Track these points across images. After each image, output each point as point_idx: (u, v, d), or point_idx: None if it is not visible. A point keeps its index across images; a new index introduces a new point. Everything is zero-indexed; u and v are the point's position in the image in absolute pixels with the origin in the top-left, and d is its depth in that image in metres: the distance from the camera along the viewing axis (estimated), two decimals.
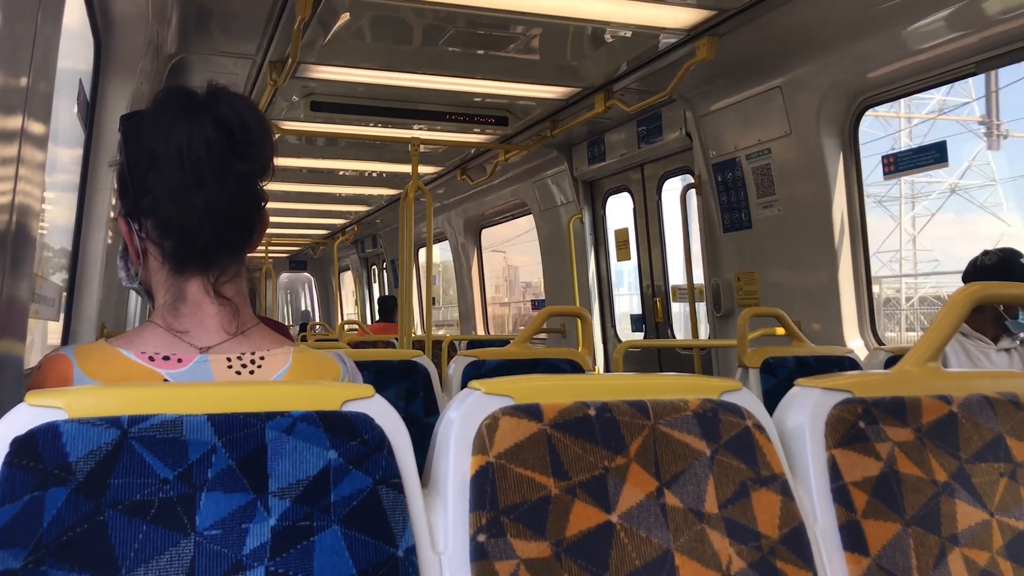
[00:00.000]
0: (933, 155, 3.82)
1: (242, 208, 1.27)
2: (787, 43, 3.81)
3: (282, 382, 1.24)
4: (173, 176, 1.22)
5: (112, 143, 3.17)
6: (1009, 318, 3.31)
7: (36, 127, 1.88)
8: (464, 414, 1.16)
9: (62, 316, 3.06)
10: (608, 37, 3.86)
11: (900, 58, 3.51)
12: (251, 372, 1.25)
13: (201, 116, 1.23)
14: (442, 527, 1.10)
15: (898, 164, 3.90)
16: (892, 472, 1.30)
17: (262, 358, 1.27)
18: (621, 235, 6.15)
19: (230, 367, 1.24)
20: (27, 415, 0.98)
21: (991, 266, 3.33)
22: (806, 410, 1.33)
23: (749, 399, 1.33)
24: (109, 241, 3.28)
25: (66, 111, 2.68)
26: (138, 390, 1.06)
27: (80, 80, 2.83)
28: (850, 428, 1.31)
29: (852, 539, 1.24)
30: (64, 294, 3.06)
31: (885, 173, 3.93)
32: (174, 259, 1.27)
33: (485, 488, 1.11)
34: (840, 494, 1.27)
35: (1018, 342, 3.34)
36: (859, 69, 3.72)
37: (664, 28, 3.70)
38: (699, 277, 5.07)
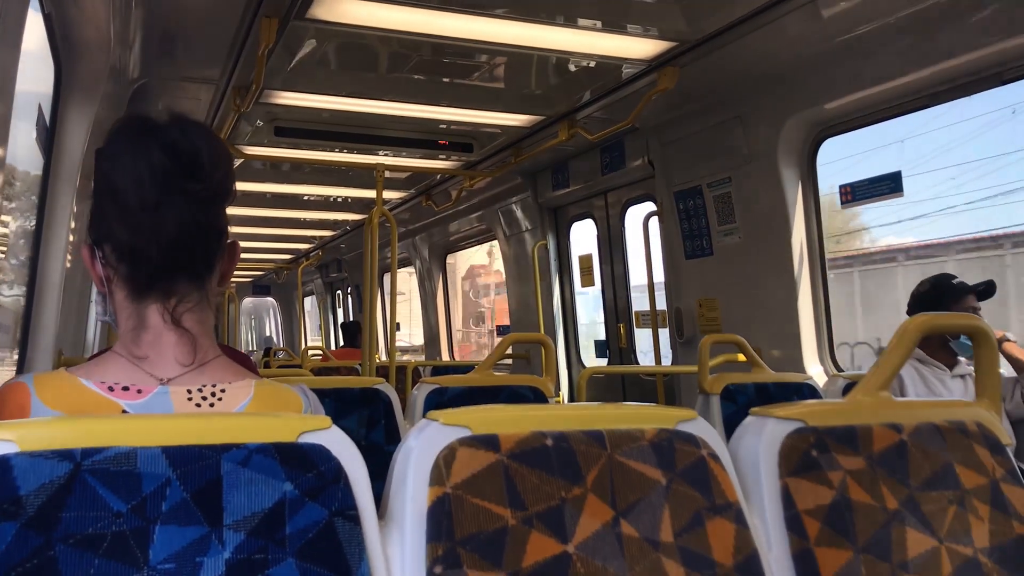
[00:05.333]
0: (888, 185, 3.91)
1: (192, 230, 1.27)
2: (747, 74, 3.89)
3: (237, 414, 1.24)
4: (124, 199, 1.24)
5: (72, 167, 3.14)
6: (952, 339, 3.40)
7: None
8: (421, 445, 1.17)
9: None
10: (572, 67, 3.91)
11: (857, 90, 3.59)
12: (211, 405, 1.25)
13: (149, 140, 1.24)
14: (399, 559, 1.10)
15: (855, 194, 3.98)
16: (844, 500, 1.32)
17: (223, 391, 1.27)
18: (585, 261, 6.19)
19: (190, 399, 1.24)
20: None
21: (924, 293, 3.47)
22: (760, 439, 1.35)
23: (705, 428, 1.35)
24: (68, 266, 3.24)
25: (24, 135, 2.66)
26: (91, 422, 1.05)
27: (40, 105, 2.81)
28: (803, 457, 1.34)
29: (805, 567, 1.26)
30: (20, 320, 3.02)
31: (842, 202, 4.00)
32: (130, 284, 1.26)
33: (442, 519, 1.11)
34: (793, 522, 1.29)
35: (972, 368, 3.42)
36: (817, 100, 3.80)
37: (627, 59, 3.75)
38: (662, 303, 5.11)
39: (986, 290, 3.43)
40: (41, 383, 1.21)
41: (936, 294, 3.45)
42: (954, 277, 3.50)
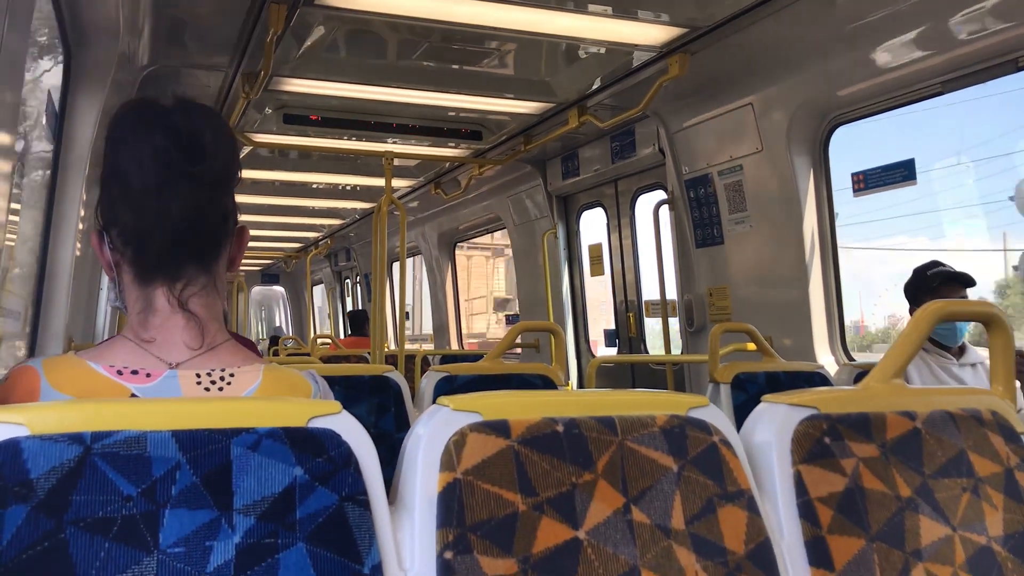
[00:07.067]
0: (902, 173, 3.88)
1: (196, 214, 1.27)
2: (758, 61, 3.86)
3: (248, 398, 1.23)
4: (128, 183, 1.24)
5: (81, 155, 3.15)
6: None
7: (2, 137, 1.87)
8: (432, 430, 1.16)
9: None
10: (582, 53, 3.89)
11: (869, 77, 3.57)
12: (220, 389, 1.25)
13: (153, 124, 1.25)
14: (409, 544, 1.10)
15: (867, 182, 3.95)
16: (857, 488, 1.31)
17: (232, 375, 1.27)
18: (595, 250, 6.18)
19: (199, 383, 1.24)
20: None
21: (910, 283, 3.41)
22: (772, 426, 1.34)
23: (716, 415, 1.34)
24: (77, 253, 3.25)
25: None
26: (102, 406, 1.05)
27: (49, 92, 2.81)
28: (816, 444, 1.33)
29: (818, 555, 1.25)
30: (30, 307, 3.02)
31: (855, 191, 3.97)
32: (137, 267, 1.27)
33: (452, 505, 1.10)
34: (806, 510, 1.28)
35: (983, 357, 3.38)
36: (829, 87, 3.77)
37: (637, 45, 3.73)
38: (672, 292, 5.10)
39: (961, 277, 3.32)
40: (50, 367, 1.22)
41: (915, 282, 3.40)
42: (936, 265, 3.39)
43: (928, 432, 1.42)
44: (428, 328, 8.87)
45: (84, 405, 1.05)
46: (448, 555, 1.08)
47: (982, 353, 3.39)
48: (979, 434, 1.45)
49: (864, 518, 1.29)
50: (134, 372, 1.22)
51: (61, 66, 3.00)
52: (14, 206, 2.76)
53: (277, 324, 17.65)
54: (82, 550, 0.93)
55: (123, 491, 0.97)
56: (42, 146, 2.94)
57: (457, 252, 8.81)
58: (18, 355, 2.92)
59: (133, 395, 1.20)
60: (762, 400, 1.41)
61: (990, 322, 1.58)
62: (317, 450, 1.07)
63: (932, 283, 3.32)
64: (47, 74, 2.81)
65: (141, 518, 0.97)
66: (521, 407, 1.22)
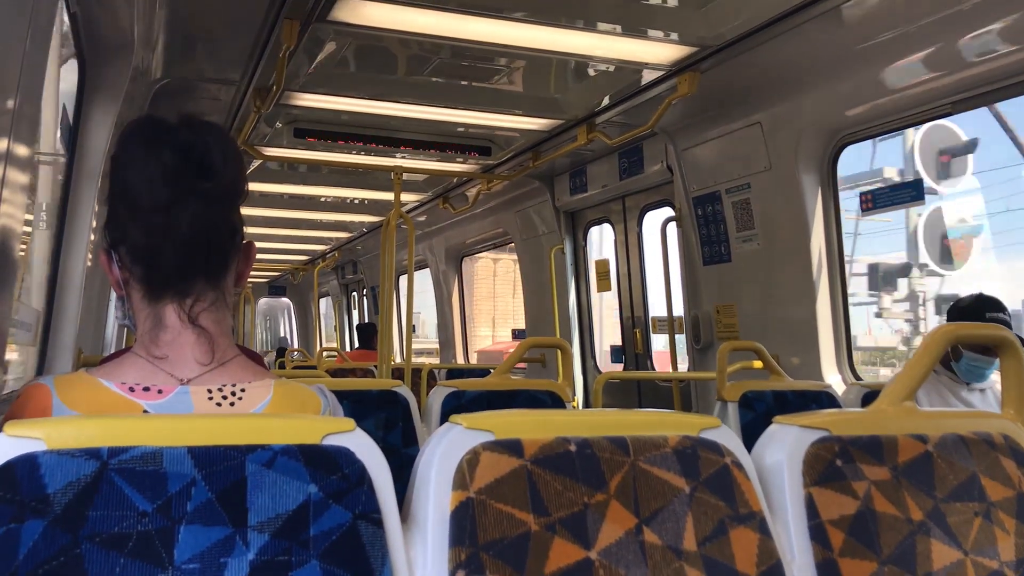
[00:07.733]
0: (910, 193, 3.89)
1: (205, 230, 1.27)
2: (767, 80, 3.87)
3: (263, 415, 1.24)
4: (137, 201, 1.25)
5: (95, 167, 3.17)
6: (954, 360, 3.28)
7: (21, 149, 1.89)
8: (445, 449, 1.16)
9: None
10: (591, 71, 3.91)
11: (878, 97, 3.57)
12: (232, 404, 1.25)
13: (160, 141, 1.25)
14: (421, 563, 1.10)
15: (875, 201, 3.95)
16: (869, 511, 1.31)
17: (243, 390, 1.27)
18: (602, 266, 6.18)
19: (211, 399, 1.24)
20: (5, 446, 0.97)
21: (965, 307, 3.31)
22: (784, 448, 1.34)
23: (728, 436, 1.34)
24: (88, 263, 3.27)
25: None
26: (118, 421, 1.05)
27: (64, 104, 2.83)
28: (827, 466, 1.33)
29: None
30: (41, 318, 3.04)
31: (863, 210, 3.98)
32: (146, 284, 1.28)
33: (465, 524, 1.11)
34: (817, 532, 1.28)
35: (993, 381, 3.35)
36: (837, 107, 3.78)
37: (646, 63, 3.75)
38: (679, 309, 5.10)
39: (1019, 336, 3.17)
40: (62, 385, 1.22)
41: (974, 309, 3.24)
42: (997, 309, 3.22)
43: (940, 455, 1.41)
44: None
45: (101, 420, 1.05)
46: (460, 574, 1.08)
47: (992, 377, 3.36)
48: (991, 458, 1.45)
49: (875, 541, 1.29)
50: (146, 389, 1.23)
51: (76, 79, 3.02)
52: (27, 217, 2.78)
53: (282, 335, 17.69)
54: (98, 566, 0.94)
55: (139, 507, 0.98)
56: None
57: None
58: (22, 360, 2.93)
59: (145, 411, 1.21)
60: (773, 421, 1.41)
61: (1002, 346, 1.58)
62: (331, 467, 1.07)
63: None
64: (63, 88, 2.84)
65: (156, 534, 0.97)
66: (534, 426, 1.23)
